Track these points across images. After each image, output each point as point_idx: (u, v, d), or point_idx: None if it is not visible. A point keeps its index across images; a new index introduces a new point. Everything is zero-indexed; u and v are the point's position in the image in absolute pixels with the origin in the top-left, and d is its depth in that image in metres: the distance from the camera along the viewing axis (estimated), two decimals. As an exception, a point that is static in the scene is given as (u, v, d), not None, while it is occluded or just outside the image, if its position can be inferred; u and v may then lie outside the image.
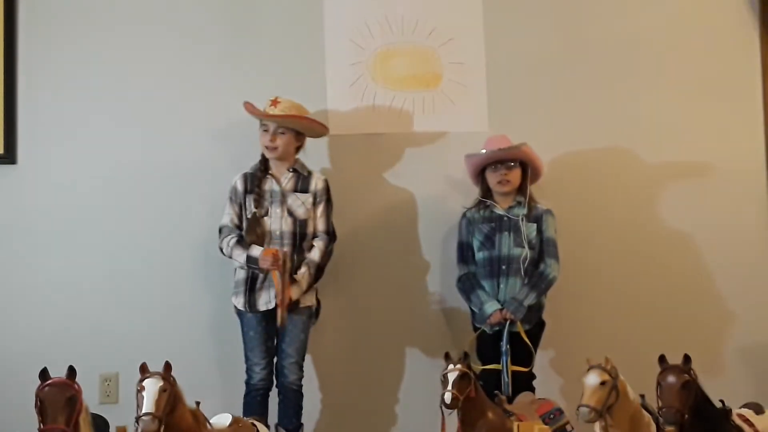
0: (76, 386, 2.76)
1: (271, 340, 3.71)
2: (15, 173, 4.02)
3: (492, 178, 3.83)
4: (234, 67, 4.12)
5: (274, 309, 3.62)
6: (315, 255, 3.72)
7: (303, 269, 3.67)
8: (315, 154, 4.03)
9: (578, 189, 4.18)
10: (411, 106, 4.17)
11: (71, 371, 2.77)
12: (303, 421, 3.73)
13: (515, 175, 3.81)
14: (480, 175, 3.88)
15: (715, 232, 4.21)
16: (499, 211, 3.83)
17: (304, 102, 3.84)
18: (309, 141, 3.91)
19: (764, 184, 4.27)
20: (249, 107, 3.80)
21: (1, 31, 4.03)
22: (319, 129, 3.89)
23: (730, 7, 4.30)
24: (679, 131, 4.24)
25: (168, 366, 2.87)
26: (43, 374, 2.76)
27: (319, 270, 3.74)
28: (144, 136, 4.07)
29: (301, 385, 3.71)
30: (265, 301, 3.67)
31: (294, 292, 3.62)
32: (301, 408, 3.71)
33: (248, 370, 3.68)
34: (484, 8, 4.20)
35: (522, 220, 3.77)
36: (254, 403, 3.63)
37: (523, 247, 3.75)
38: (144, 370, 2.85)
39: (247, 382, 3.68)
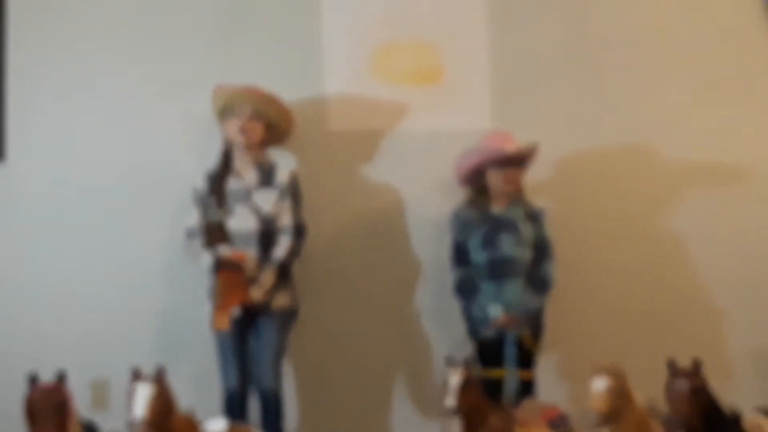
0: (65, 392, 2.75)
1: (244, 345, 3.62)
2: (3, 171, 4.00)
3: (497, 176, 3.75)
4: (230, 60, 4.07)
5: (245, 312, 3.52)
6: (279, 252, 3.59)
7: (266, 268, 3.56)
8: (314, 151, 4.03)
9: (582, 188, 4.13)
10: (412, 102, 4.13)
11: (61, 377, 2.77)
12: (285, 428, 3.66)
13: (521, 176, 3.78)
14: (475, 172, 3.81)
15: (723, 233, 4.15)
16: (496, 211, 3.78)
17: (303, 97, 3.85)
18: (306, 137, 3.91)
19: (776, 186, 4.27)
20: (226, 87, 3.69)
21: (-10, 27, 4.05)
22: (288, 127, 3.83)
23: (741, 3, 4.26)
24: (688, 129, 4.18)
25: (161, 371, 2.85)
26: (32, 380, 2.75)
27: (283, 268, 3.62)
28: (135, 134, 4.04)
29: (279, 391, 3.62)
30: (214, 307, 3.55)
31: (255, 293, 3.52)
32: (280, 414, 3.61)
33: (222, 375, 3.61)
34: (488, 1, 4.17)
35: (520, 220, 3.74)
36: (230, 408, 3.55)
37: (524, 247, 3.71)
38: (136, 375, 2.84)
39: (223, 387, 3.61)
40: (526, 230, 3.73)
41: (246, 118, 3.65)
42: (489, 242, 3.73)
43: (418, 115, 4.13)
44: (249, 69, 4.00)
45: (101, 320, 3.93)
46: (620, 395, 2.93)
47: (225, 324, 3.45)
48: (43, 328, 3.90)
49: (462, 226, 3.80)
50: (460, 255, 3.80)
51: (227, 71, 3.98)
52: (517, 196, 3.79)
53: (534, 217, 3.77)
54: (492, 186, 3.78)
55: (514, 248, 3.70)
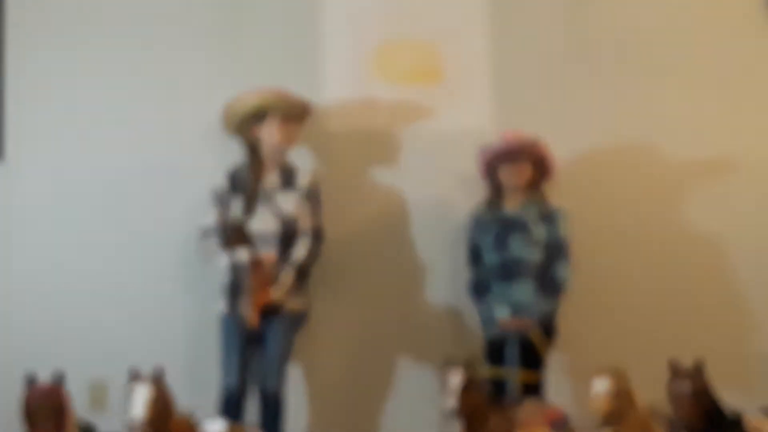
0: (63, 393, 2.77)
1: (249, 346, 3.63)
2: (2, 170, 4.00)
3: (503, 172, 3.77)
4: (231, 61, 4.08)
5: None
6: (299, 255, 3.62)
7: (286, 269, 3.59)
8: (314, 151, 4.02)
9: (586, 187, 4.11)
10: (412, 102, 4.13)
11: (59, 378, 2.78)
12: (289, 428, 3.66)
13: (524, 171, 3.76)
14: (491, 172, 3.83)
15: (733, 232, 4.12)
16: (509, 211, 3.78)
17: (304, 97, 3.84)
18: (307, 139, 3.91)
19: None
20: (263, 91, 3.69)
21: (-11, 27, 4.07)
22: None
23: (742, 2, 4.25)
24: (691, 127, 4.17)
25: (159, 372, 2.86)
26: (30, 381, 2.77)
27: (302, 270, 3.64)
28: (134, 134, 4.03)
29: (281, 392, 3.62)
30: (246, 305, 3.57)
31: (275, 293, 3.55)
32: (280, 415, 3.62)
33: (224, 375, 3.62)
34: (488, 1, 4.17)
35: (532, 220, 3.74)
36: (228, 408, 3.54)
37: (534, 248, 3.71)
38: (135, 375, 2.85)
39: (222, 387, 3.61)
40: (538, 231, 3.73)
41: (291, 124, 3.71)
42: (500, 243, 3.74)
43: (418, 115, 4.13)
44: (253, 71, 4.01)
45: (99, 321, 3.93)
46: (622, 397, 2.95)
47: (257, 321, 3.51)
48: (41, 328, 3.90)
49: (477, 226, 3.82)
50: (475, 256, 3.83)
51: (231, 72, 4.01)
52: (532, 195, 3.79)
53: (549, 217, 3.76)
54: (503, 182, 3.80)
55: (524, 249, 3.70)
